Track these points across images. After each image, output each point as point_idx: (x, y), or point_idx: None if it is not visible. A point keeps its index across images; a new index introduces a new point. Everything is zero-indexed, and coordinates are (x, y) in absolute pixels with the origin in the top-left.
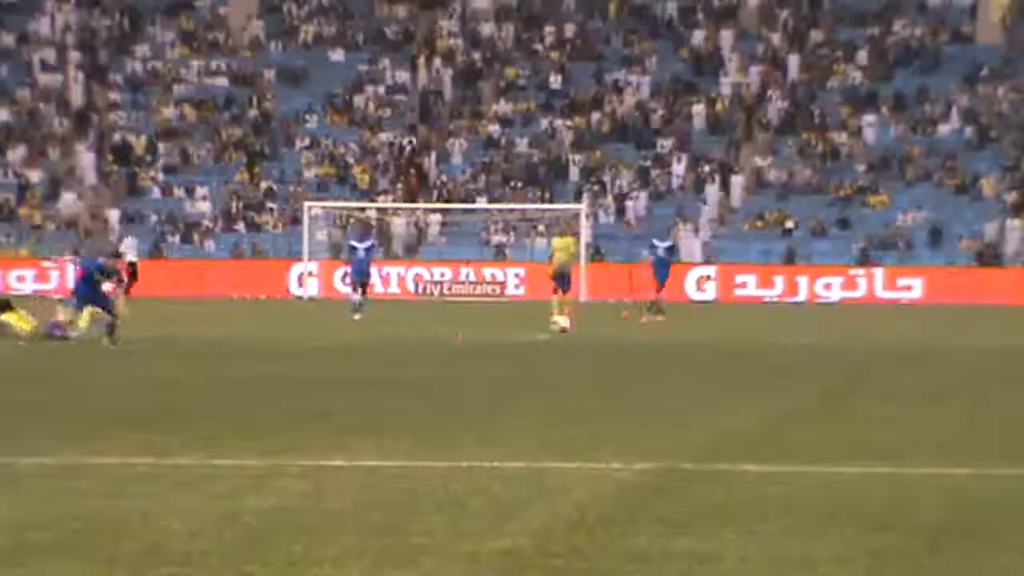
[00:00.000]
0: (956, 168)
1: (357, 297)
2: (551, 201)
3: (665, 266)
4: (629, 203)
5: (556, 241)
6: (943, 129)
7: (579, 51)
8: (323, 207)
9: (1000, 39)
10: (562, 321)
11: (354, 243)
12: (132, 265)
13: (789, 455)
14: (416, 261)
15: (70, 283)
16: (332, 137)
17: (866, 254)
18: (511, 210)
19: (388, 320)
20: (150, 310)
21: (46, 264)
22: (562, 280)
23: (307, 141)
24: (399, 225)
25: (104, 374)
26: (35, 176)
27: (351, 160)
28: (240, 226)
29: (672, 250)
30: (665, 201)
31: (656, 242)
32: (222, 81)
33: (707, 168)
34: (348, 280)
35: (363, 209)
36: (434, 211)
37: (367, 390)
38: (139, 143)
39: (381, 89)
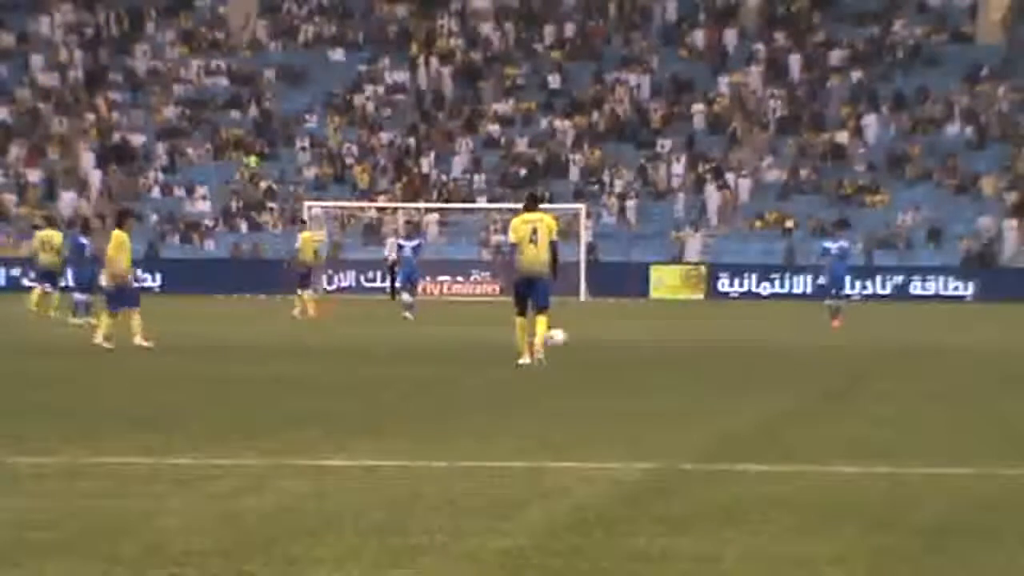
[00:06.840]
0: (956, 168)
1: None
2: (551, 201)
3: (835, 266)
4: (629, 203)
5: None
6: (943, 129)
7: (579, 51)
8: (323, 207)
9: (1000, 39)
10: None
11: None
12: (391, 264)
13: (789, 455)
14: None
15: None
16: (332, 136)
17: (866, 254)
18: (511, 210)
19: (388, 319)
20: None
21: None
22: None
23: (307, 141)
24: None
25: (104, 374)
26: (35, 176)
27: (351, 160)
28: (241, 225)
29: (844, 249)
30: (665, 201)
31: (827, 244)
32: (222, 81)
33: (707, 168)
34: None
35: (363, 209)
36: (434, 211)
37: (367, 390)
38: (139, 143)
39: (381, 89)
